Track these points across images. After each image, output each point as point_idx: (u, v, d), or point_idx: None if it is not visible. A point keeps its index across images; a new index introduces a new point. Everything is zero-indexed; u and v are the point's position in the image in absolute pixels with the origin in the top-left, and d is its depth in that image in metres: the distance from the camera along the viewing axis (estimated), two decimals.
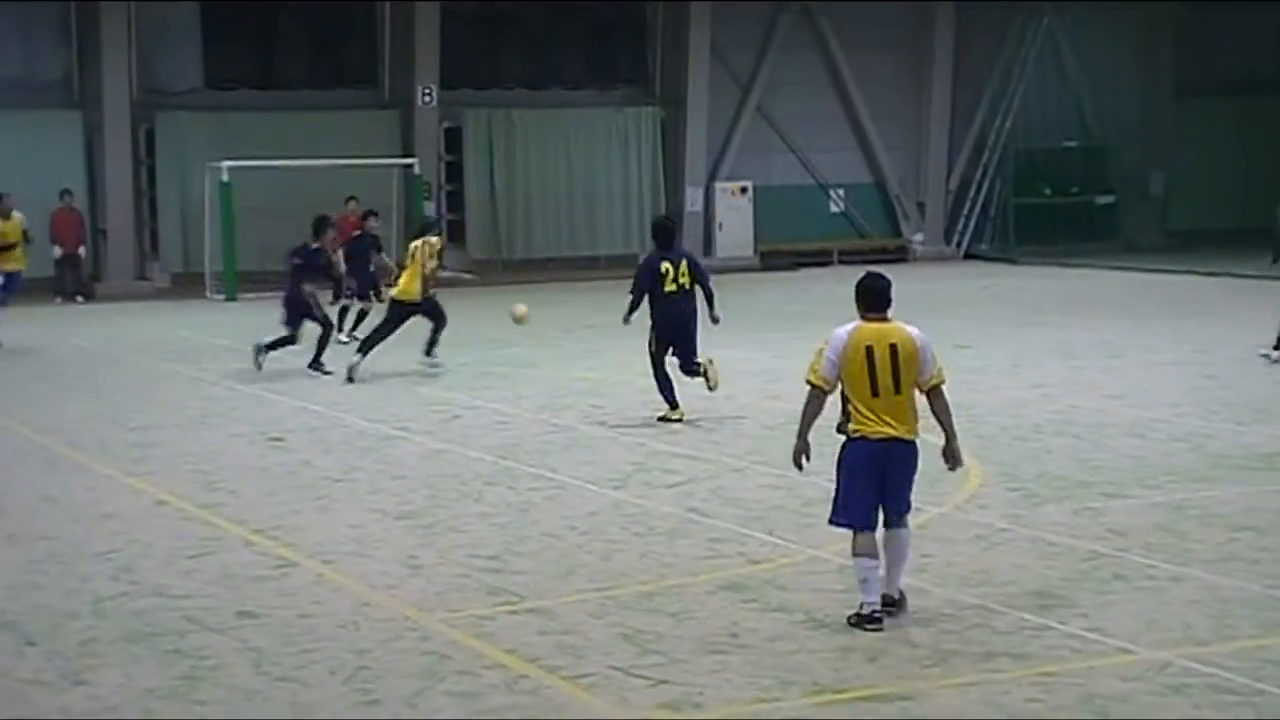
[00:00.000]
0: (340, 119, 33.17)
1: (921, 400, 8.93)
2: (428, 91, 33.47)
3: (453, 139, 34.57)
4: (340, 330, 22.17)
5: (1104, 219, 38.63)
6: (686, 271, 15.63)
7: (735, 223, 35.92)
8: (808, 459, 9.04)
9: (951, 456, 9.01)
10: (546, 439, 14.72)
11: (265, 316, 27.42)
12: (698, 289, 15.80)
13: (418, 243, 19.70)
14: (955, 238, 38.10)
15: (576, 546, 10.59)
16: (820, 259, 35.75)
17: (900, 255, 36.91)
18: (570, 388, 17.99)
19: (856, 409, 8.77)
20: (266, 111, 32.70)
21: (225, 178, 29.97)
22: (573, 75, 35.83)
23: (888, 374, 8.66)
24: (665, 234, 16.26)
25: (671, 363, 15.76)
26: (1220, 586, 9.20)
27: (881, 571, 8.68)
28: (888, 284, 8.93)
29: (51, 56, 32.28)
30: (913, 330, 8.87)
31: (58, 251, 30.62)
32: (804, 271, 34.34)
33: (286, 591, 9.64)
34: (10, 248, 23.84)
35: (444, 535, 11.01)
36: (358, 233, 23.86)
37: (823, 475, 12.44)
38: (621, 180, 35.46)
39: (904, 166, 37.99)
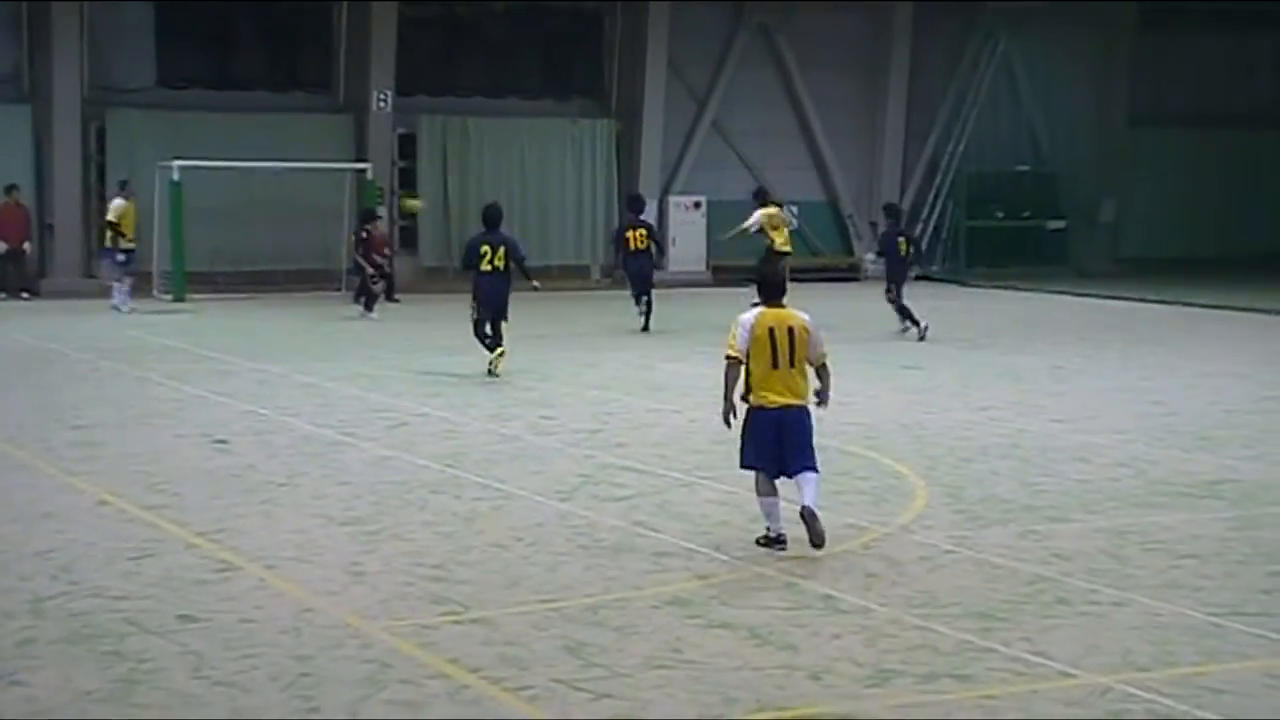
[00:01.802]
0: (294, 122, 33.04)
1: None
2: (383, 96, 33.37)
3: (407, 145, 34.48)
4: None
5: (1055, 244, 38.92)
6: (503, 255, 18.85)
7: (688, 237, 35.99)
8: (735, 417, 10.60)
9: (822, 400, 10.89)
10: (494, 448, 14.68)
11: (213, 318, 27.32)
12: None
13: None
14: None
15: (522, 557, 10.54)
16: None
17: (852, 274, 37.05)
18: (519, 398, 17.95)
19: (758, 381, 10.44)
20: (219, 112, 32.52)
21: (176, 177, 29.79)
22: (529, 85, 35.81)
23: (785, 351, 10.38)
24: (492, 219, 19.32)
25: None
26: (1162, 613, 9.24)
27: (783, 504, 10.52)
28: (784, 278, 10.85)
29: (1, 50, 31.99)
30: (805, 316, 10.57)
31: (1, 247, 30.37)
32: (753, 288, 34.44)
33: (228, 596, 9.55)
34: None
35: (388, 543, 10.95)
36: None
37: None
38: (575, 191, 35.46)
39: (857, 186, 38.15)
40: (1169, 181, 39.29)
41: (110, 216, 28.28)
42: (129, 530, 11.31)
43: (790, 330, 10.39)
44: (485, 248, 19.00)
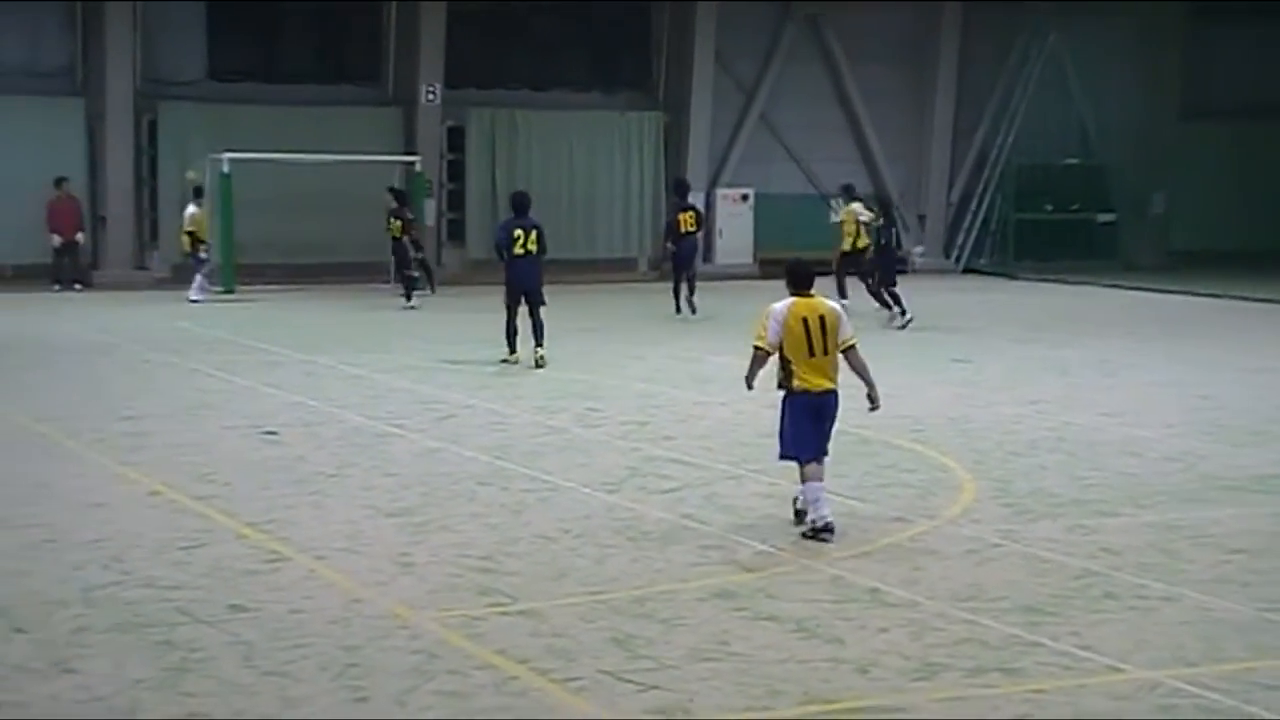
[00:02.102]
0: (343, 115, 33.16)
1: None
2: (431, 89, 33.46)
3: (455, 138, 34.54)
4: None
5: (1104, 237, 38.68)
6: (535, 239, 19.28)
7: (735, 230, 35.95)
8: (750, 388, 11.17)
9: (873, 400, 11.30)
10: (541, 440, 14.71)
11: (262, 310, 27.49)
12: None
13: None
14: (955, 251, 38.12)
15: (569, 549, 10.58)
16: (820, 268, 35.64)
17: (900, 267, 36.81)
18: (566, 390, 17.98)
19: (798, 368, 10.79)
20: (269, 105, 32.67)
21: (226, 169, 29.95)
22: (577, 78, 35.82)
23: (819, 339, 10.78)
24: (522, 205, 19.74)
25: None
26: (1212, 608, 9.19)
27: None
28: (810, 270, 11.17)
29: (56, 44, 32.23)
30: (832, 303, 11.09)
31: (56, 240, 30.61)
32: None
33: (277, 586, 9.63)
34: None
35: (436, 534, 11.00)
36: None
37: None
38: (622, 184, 35.45)
39: (905, 179, 38.00)
40: (1219, 174, 38.97)
41: (187, 226, 28.67)
42: (180, 520, 11.40)
43: (821, 319, 10.80)
44: (519, 232, 19.39)
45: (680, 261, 26.30)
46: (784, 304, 10.85)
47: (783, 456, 10.98)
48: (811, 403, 10.79)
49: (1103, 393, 18.10)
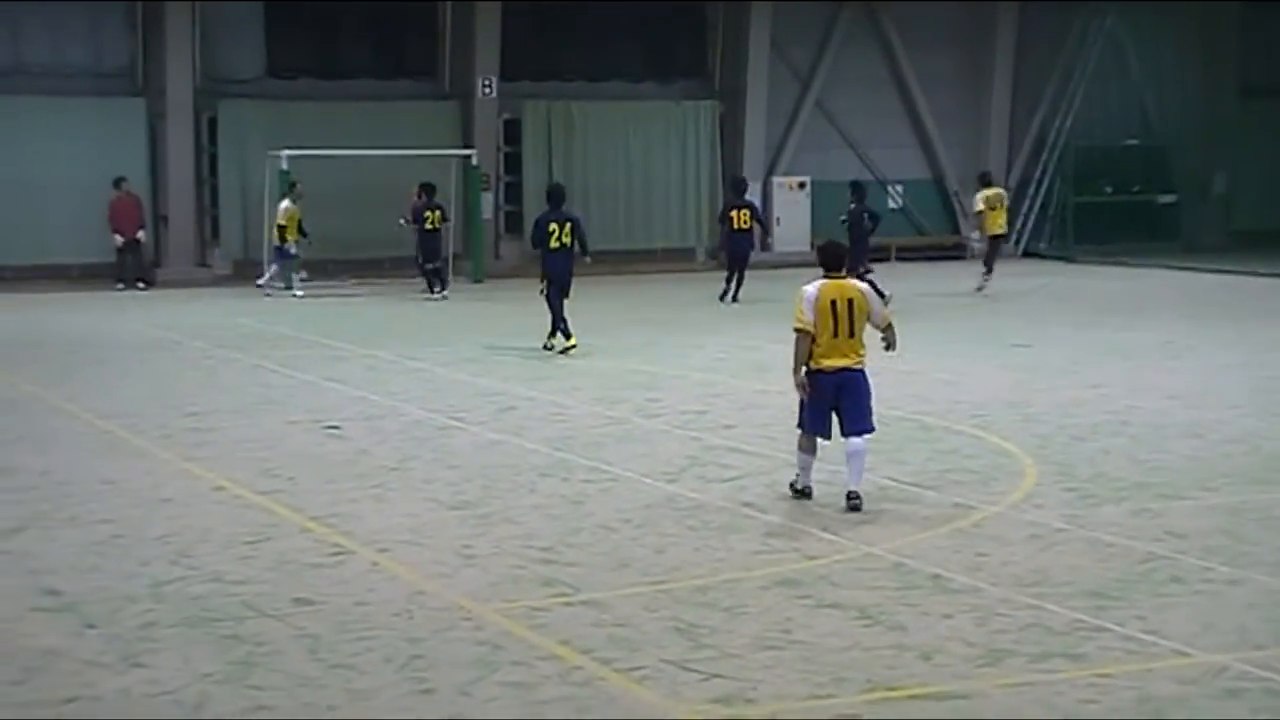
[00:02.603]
0: (400, 109, 33.30)
1: None
2: (487, 83, 33.54)
3: (512, 131, 34.62)
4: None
5: (1165, 219, 38.35)
6: (569, 231, 19.75)
7: (793, 217, 35.85)
8: (806, 390, 11.32)
9: (890, 344, 11.80)
10: (601, 431, 14.75)
11: (323, 305, 27.66)
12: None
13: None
14: (1014, 235, 37.87)
15: (630, 539, 10.60)
16: (877, 255, 35.53)
17: (958, 253, 36.74)
18: (626, 380, 18.01)
19: (818, 348, 11.22)
20: (327, 101, 32.85)
21: (285, 166, 30.14)
22: (632, 68, 35.81)
23: (846, 320, 11.21)
24: (557, 197, 20.32)
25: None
26: (1279, 590, 9.12)
27: (844, 471, 11.37)
28: (845, 251, 11.86)
29: (117, 45, 32.51)
30: (862, 286, 11.52)
31: (118, 239, 30.89)
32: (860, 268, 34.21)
33: (342, 579, 9.70)
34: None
35: (498, 526, 11.05)
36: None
37: (876, 472, 12.48)
38: (679, 174, 35.43)
39: (963, 163, 37.76)
40: None
41: (279, 220, 28.81)
42: (245, 515, 11.50)
43: (850, 301, 11.24)
44: (554, 225, 19.82)
45: (730, 256, 26.87)
46: (815, 285, 11.33)
47: (799, 426, 11.57)
48: (828, 380, 11.25)
49: (1165, 375, 17.97)
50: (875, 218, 26.88)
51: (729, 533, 10.73)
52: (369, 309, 27.21)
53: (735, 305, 26.23)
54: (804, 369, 11.28)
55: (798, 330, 11.27)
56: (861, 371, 11.34)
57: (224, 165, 32.46)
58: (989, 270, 27.92)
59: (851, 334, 11.24)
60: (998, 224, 28.51)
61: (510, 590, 9.41)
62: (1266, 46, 38.78)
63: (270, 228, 29.91)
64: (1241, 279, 30.37)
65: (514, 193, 34.69)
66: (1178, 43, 38.46)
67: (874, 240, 35.62)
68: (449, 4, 33.86)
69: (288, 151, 30.12)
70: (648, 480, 12.48)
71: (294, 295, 28.74)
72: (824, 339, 11.22)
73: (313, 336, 22.72)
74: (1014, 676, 7.75)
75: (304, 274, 29.66)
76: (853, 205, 26.58)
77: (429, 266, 28.60)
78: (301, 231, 28.88)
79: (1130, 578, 9.43)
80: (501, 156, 34.45)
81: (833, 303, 11.21)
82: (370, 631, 8.58)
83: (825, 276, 11.41)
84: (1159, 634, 8.33)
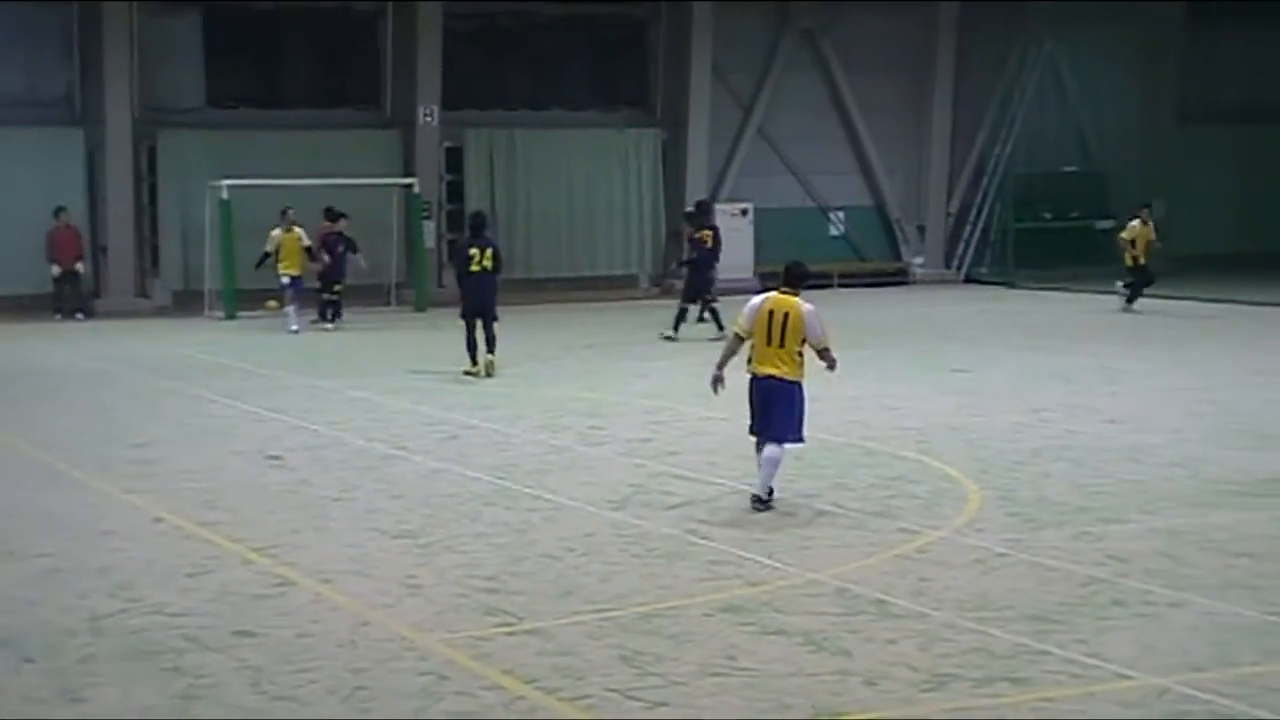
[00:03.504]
0: (342, 138, 33.18)
1: None
2: (429, 111, 33.50)
3: (454, 159, 34.56)
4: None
5: (1104, 244, 38.62)
6: (490, 256, 20.43)
7: (735, 244, 35.78)
8: (723, 386, 12.42)
9: (829, 364, 12.28)
10: (545, 459, 14.73)
11: (264, 334, 27.51)
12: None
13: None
14: (955, 261, 38.12)
15: (574, 567, 10.58)
16: (819, 282, 35.67)
17: (900, 278, 36.93)
18: (569, 408, 18.00)
19: (755, 354, 12.06)
20: (268, 130, 32.68)
21: (225, 196, 29.99)
22: (574, 96, 35.85)
23: (779, 332, 11.92)
24: (478, 225, 21.08)
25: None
26: (1219, 613, 9.19)
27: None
28: (804, 272, 12.44)
29: (54, 74, 32.26)
30: (806, 306, 12.04)
31: (55, 269, 30.63)
32: (802, 294, 34.32)
33: (284, 610, 9.63)
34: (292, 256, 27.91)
35: (442, 555, 11.01)
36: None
37: (819, 498, 12.52)
38: (622, 201, 35.46)
39: (904, 189, 38.01)
40: (1219, 178, 38.95)
41: (266, 247, 27.98)
42: (186, 547, 11.41)
43: (785, 315, 11.96)
44: (474, 250, 20.54)
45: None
46: (761, 296, 12.22)
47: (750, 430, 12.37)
48: (756, 384, 12.11)
49: (1106, 399, 18.11)
50: (718, 241, 26.19)
51: (674, 560, 10.73)
52: (311, 338, 27.05)
53: (677, 334, 25.65)
54: (723, 373, 12.32)
55: (734, 334, 12.26)
56: (787, 383, 11.98)
57: (164, 195, 32.23)
58: (1137, 292, 29.08)
59: (782, 344, 11.94)
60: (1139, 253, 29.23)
61: (454, 620, 9.37)
62: (1203, 73, 39.20)
63: (213, 258, 29.73)
64: (1180, 304, 30.63)
65: (456, 221, 34.50)
66: (1116, 70, 38.83)
67: (816, 266, 36.03)
68: (390, 32, 33.82)
69: (228, 181, 29.99)
70: (592, 508, 12.46)
71: (292, 329, 27.27)
72: (758, 346, 12.05)
73: (254, 367, 22.59)
74: (958, 701, 7.78)
75: (292, 306, 27.91)
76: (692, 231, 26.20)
77: (329, 296, 28.19)
78: (311, 256, 27.96)
79: (1072, 601, 9.48)
80: (444, 185, 34.38)
81: (770, 313, 11.99)
82: (313, 663, 8.52)
83: (779, 290, 12.16)
84: (1101, 657, 8.38)
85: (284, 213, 28.25)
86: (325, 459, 14.92)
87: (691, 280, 25.51)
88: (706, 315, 25.62)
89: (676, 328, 24.86)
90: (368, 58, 34.20)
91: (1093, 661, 8.31)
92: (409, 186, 32.37)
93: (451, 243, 34.26)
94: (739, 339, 12.21)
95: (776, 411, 12.01)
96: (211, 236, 30.44)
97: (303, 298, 27.82)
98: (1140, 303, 29.13)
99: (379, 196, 31.64)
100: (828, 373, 12.30)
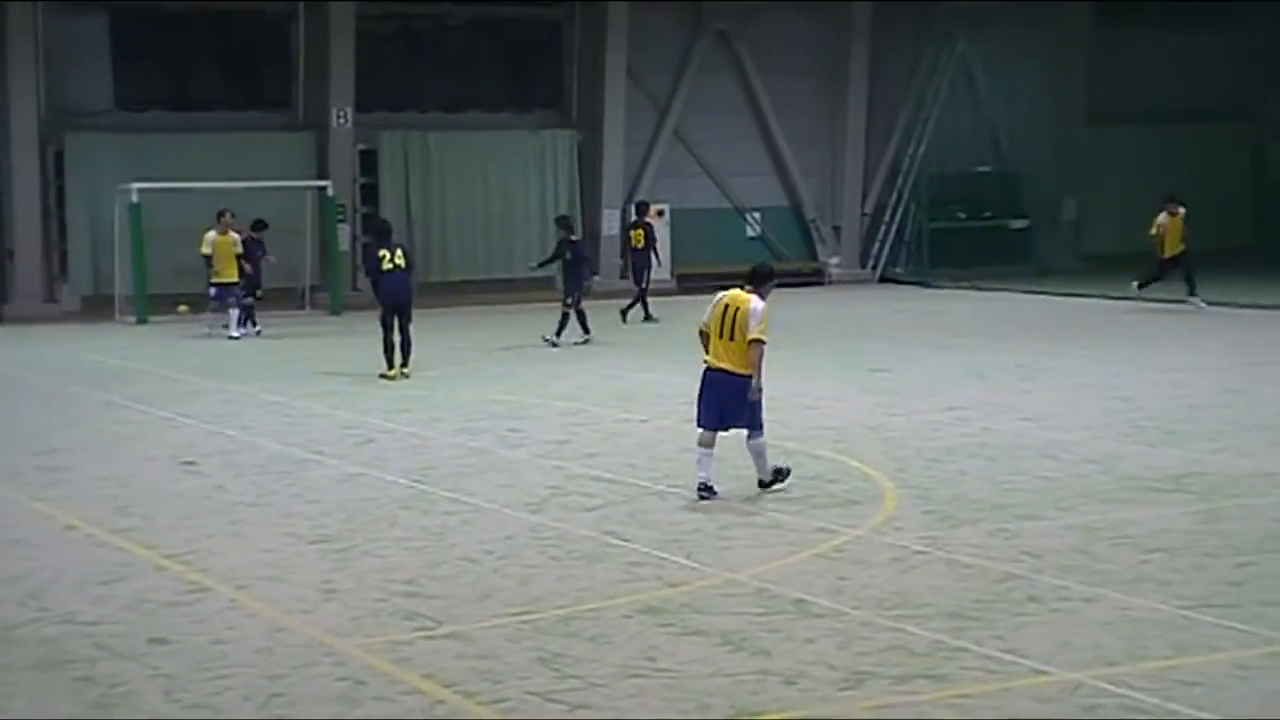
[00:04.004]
0: (253, 141, 32.92)
1: None
2: (342, 113, 33.28)
3: (368, 161, 34.37)
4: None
5: (1018, 243, 39.04)
6: (400, 254, 21.01)
7: None
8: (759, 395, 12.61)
9: (752, 390, 12.40)
10: (463, 462, 14.66)
11: (177, 339, 27.22)
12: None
13: None
14: (870, 261, 38.36)
15: (493, 570, 10.54)
16: (737, 282, 35.69)
17: (816, 278, 37.11)
18: (487, 410, 17.93)
19: (710, 345, 12.55)
20: (179, 133, 32.36)
21: (135, 199, 29.66)
22: (489, 98, 35.76)
23: (728, 326, 12.44)
24: (384, 230, 21.93)
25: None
26: (1132, 607, 9.28)
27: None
28: (766, 272, 12.95)
29: None
30: (754, 302, 12.44)
31: None
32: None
33: (199, 617, 9.52)
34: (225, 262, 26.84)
35: (359, 560, 10.93)
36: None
37: (738, 499, 12.55)
38: (539, 203, 35.40)
39: (820, 190, 38.21)
40: (1129, 177, 39.38)
41: (203, 249, 26.90)
42: (98, 554, 11.26)
43: (736, 310, 12.43)
44: (384, 251, 21.02)
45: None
46: (722, 292, 12.68)
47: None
48: (706, 375, 12.57)
49: (1020, 397, 18.26)
50: (581, 248, 26.18)
51: (592, 562, 10.70)
52: (224, 342, 26.79)
53: (624, 325, 26.06)
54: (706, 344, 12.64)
55: (755, 339, 12.40)
56: (736, 376, 12.35)
57: (72, 199, 31.84)
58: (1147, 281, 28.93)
59: (732, 338, 12.39)
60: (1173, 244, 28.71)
61: (372, 625, 9.30)
62: (1114, 73, 39.67)
63: (123, 263, 29.39)
64: (1092, 302, 30.99)
65: (371, 224, 34.34)
66: (1026, 70, 39.21)
67: (732, 267, 36.10)
68: (302, 34, 33.56)
69: (138, 184, 29.67)
70: (510, 511, 12.42)
71: (230, 336, 26.44)
72: (713, 340, 12.55)
73: (167, 372, 22.35)
74: (876, 699, 7.80)
75: (232, 314, 26.96)
76: (560, 238, 25.89)
77: (250, 301, 27.84)
78: (247, 259, 27.07)
79: (988, 598, 9.54)
80: (358, 188, 34.18)
81: (725, 308, 12.51)
82: (229, 670, 8.43)
83: (741, 287, 12.63)
84: (1017, 653, 8.43)
85: (220, 215, 27.23)
86: (240, 464, 14.78)
87: (569, 283, 25.10)
88: (643, 314, 27.10)
89: (559, 332, 24.52)
90: (280, 59, 33.93)
91: (1009, 657, 8.37)
92: (323, 189, 32.16)
93: (367, 246, 34.07)
94: (703, 334, 12.66)
95: (733, 402, 12.38)
96: (122, 241, 30.08)
97: (225, 304, 26.96)
98: (1063, 301, 29.30)
99: (293, 199, 31.43)
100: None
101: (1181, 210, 28.76)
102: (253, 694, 8.04)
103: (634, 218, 30.25)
